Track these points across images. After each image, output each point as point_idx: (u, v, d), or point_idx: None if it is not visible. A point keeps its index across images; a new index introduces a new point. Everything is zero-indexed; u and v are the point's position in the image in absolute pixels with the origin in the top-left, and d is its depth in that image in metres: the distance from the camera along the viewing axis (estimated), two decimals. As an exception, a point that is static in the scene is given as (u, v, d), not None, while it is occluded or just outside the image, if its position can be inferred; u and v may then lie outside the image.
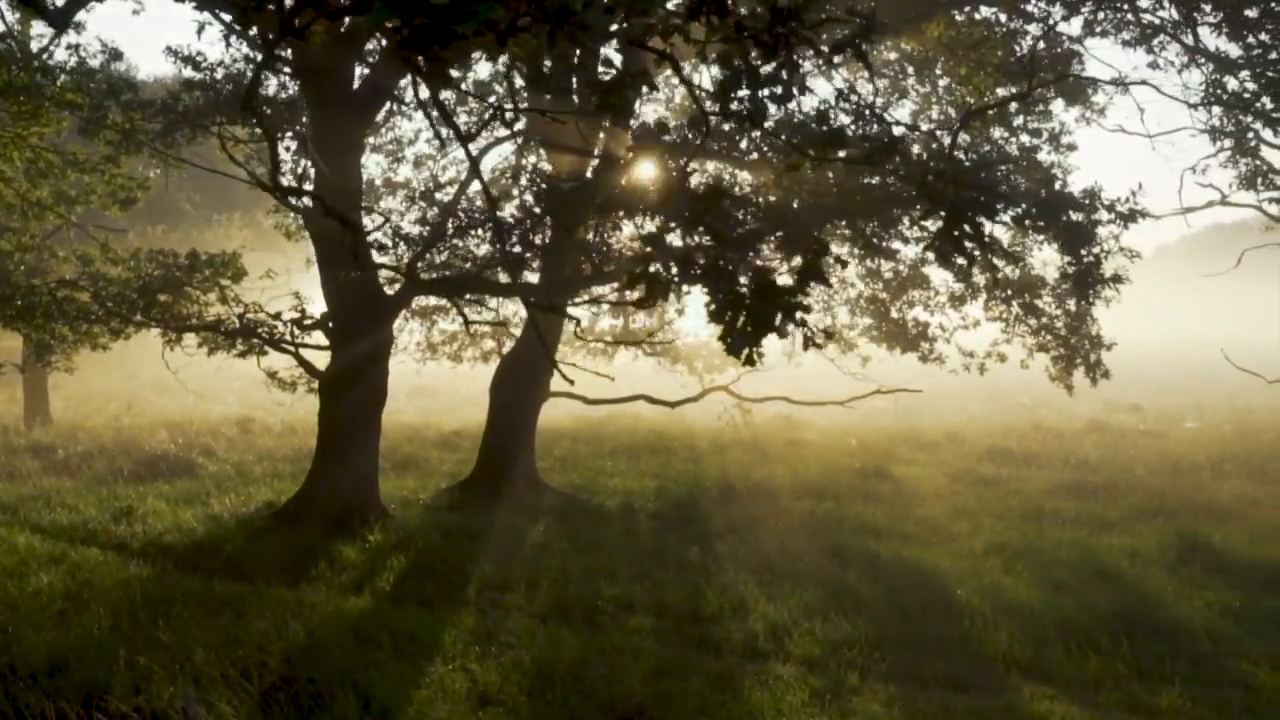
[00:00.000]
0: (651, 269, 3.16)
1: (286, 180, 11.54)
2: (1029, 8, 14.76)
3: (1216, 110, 11.78)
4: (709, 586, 9.43)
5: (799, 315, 3.18)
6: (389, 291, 12.17)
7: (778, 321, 3.16)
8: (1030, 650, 7.82)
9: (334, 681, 6.54)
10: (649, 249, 3.45)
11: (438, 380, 20.42)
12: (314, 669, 6.81)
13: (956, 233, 4.63)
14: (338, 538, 11.06)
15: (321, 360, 12.57)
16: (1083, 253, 9.68)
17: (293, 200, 10.76)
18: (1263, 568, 10.08)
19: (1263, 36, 10.42)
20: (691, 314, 26.03)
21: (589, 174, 12.47)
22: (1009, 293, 14.56)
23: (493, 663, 7.06)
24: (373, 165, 26.08)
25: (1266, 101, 10.57)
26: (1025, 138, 16.19)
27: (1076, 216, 9.22)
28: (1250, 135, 11.68)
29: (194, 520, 11.72)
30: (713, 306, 3.22)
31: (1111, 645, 7.80)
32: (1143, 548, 11.14)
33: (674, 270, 3.16)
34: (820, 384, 21.52)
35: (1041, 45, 15.46)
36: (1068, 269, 10.42)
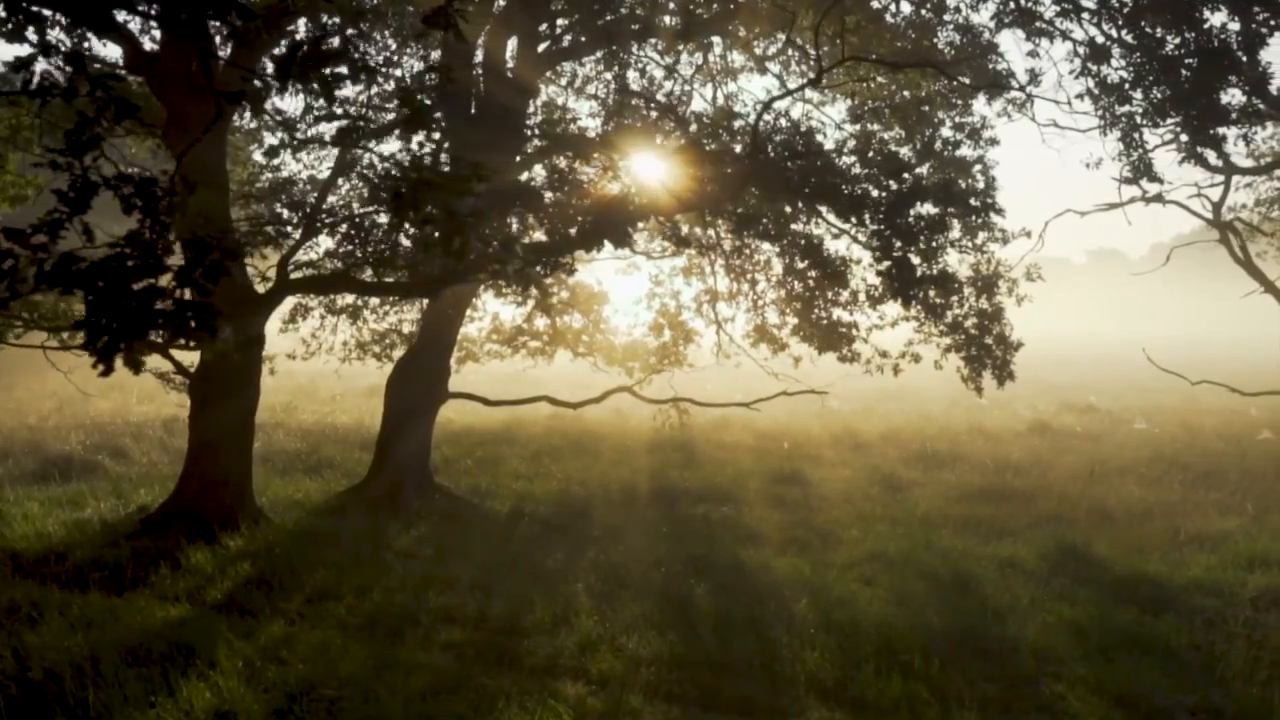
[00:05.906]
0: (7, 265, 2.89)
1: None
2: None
3: (1102, 103, 11.32)
4: (544, 597, 9.11)
5: (205, 319, 2.86)
6: (259, 290, 11.90)
7: (161, 328, 2.86)
8: (839, 671, 7.43)
9: (66, 695, 6.30)
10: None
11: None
12: (65, 683, 6.57)
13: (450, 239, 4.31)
14: (197, 543, 10.83)
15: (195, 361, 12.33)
16: (899, 249, 9.24)
17: None
18: (1129, 580, 9.63)
19: (1145, 24, 9.93)
20: (619, 316, 25.60)
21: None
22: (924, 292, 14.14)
23: (247, 678, 6.78)
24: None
25: (1143, 89, 10.09)
26: (947, 131, 15.81)
27: (924, 209, 8.81)
28: (1133, 131, 11.19)
29: (56, 525, 11.50)
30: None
31: (924, 666, 7.42)
32: (1022, 557, 10.72)
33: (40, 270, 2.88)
34: (767, 384, 21.09)
35: (959, 40, 15.06)
36: (881, 267, 10.00)
